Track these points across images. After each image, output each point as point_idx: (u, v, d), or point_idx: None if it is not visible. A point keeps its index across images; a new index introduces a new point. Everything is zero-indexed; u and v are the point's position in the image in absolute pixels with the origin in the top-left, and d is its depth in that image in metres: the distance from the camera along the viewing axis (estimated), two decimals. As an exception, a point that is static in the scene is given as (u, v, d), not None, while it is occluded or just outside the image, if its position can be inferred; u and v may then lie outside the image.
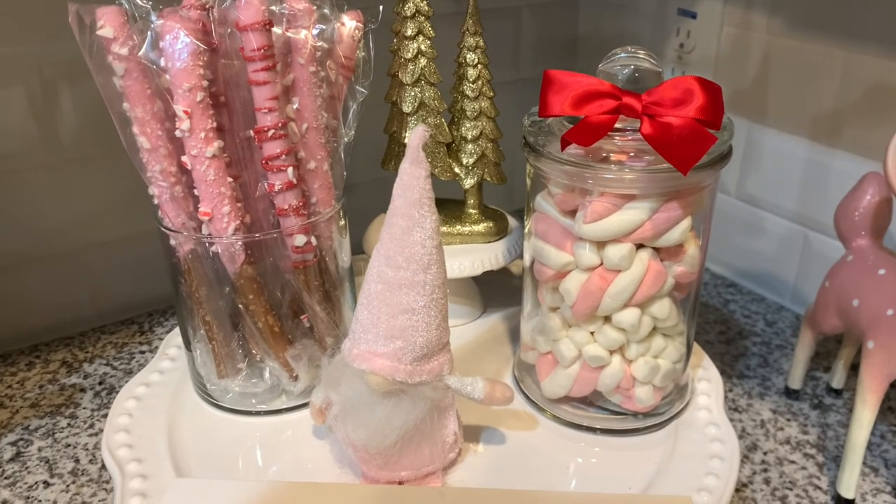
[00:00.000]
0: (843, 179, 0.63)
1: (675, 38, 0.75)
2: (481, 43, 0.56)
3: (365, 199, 0.62)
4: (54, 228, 0.64)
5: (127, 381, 0.60)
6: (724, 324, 0.70)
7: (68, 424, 0.57)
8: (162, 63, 0.44)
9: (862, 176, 0.53)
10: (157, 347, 0.66)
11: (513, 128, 0.61)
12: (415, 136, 0.42)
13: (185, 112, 0.44)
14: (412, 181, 0.42)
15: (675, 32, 0.75)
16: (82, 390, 0.61)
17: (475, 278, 0.62)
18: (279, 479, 0.48)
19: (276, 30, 0.46)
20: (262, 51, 0.44)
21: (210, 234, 0.47)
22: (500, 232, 0.61)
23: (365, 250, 0.63)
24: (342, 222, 0.53)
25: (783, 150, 0.69)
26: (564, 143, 0.44)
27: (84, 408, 0.59)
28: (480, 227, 0.60)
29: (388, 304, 0.43)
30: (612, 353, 0.49)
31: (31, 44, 0.58)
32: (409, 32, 0.54)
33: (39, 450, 0.55)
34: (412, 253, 0.42)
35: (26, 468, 0.53)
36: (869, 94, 0.61)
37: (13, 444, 0.55)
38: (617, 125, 0.45)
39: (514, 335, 0.62)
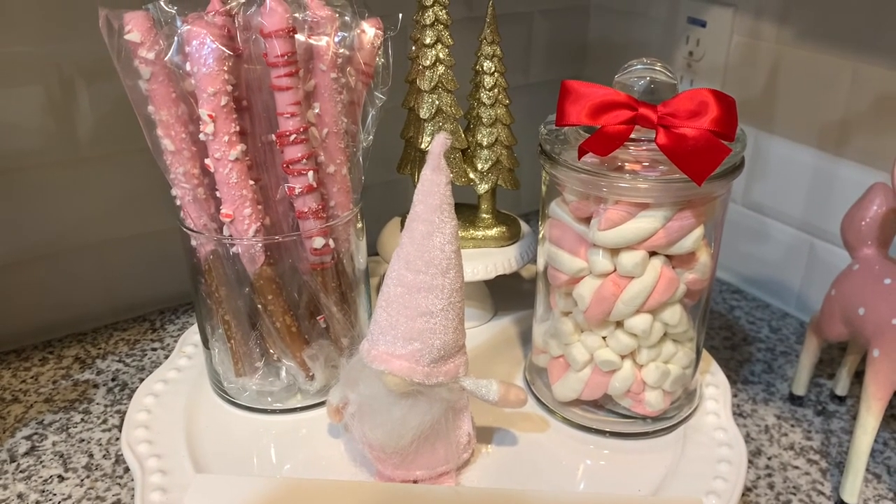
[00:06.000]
0: (850, 188, 0.63)
1: (684, 46, 0.76)
2: (498, 52, 0.57)
3: (377, 201, 0.62)
4: (69, 225, 0.65)
5: (139, 378, 0.60)
6: (729, 330, 0.70)
7: (82, 420, 0.58)
8: (187, 67, 0.45)
9: (869, 186, 0.54)
10: (168, 345, 0.67)
11: (522, 132, 0.62)
12: (436, 143, 0.42)
13: (210, 116, 0.45)
14: (433, 187, 0.43)
15: (685, 40, 0.75)
16: (95, 386, 0.62)
17: (487, 281, 0.63)
18: (294, 476, 0.48)
19: (299, 36, 0.47)
20: (286, 57, 0.45)
21: (231, 236, 0.48)
22: (513, 237, 0.62)
23: (379, 252, 0.64)
24: (359, 225, 0.53)
25: (790, 159, 0.69)
26: (582, 152, 0.45)
27: (97, 403, 0.59)
28: (494, 232, 0.61)
29: (406, 306, 0.44)
30: (623, 357, 0.50)
31: (51, 43, 0.59)
32: (427, 40, 0.55)
33: (54, 444, 0.55)
34: (431, 257, 0.43)
35: (41, 462, 0.54)
36: (877, 105, 0.62)
37: (28, 437, 0.56)
38: (632, 135, 0.46)
39: (525, 338, 0.63)
